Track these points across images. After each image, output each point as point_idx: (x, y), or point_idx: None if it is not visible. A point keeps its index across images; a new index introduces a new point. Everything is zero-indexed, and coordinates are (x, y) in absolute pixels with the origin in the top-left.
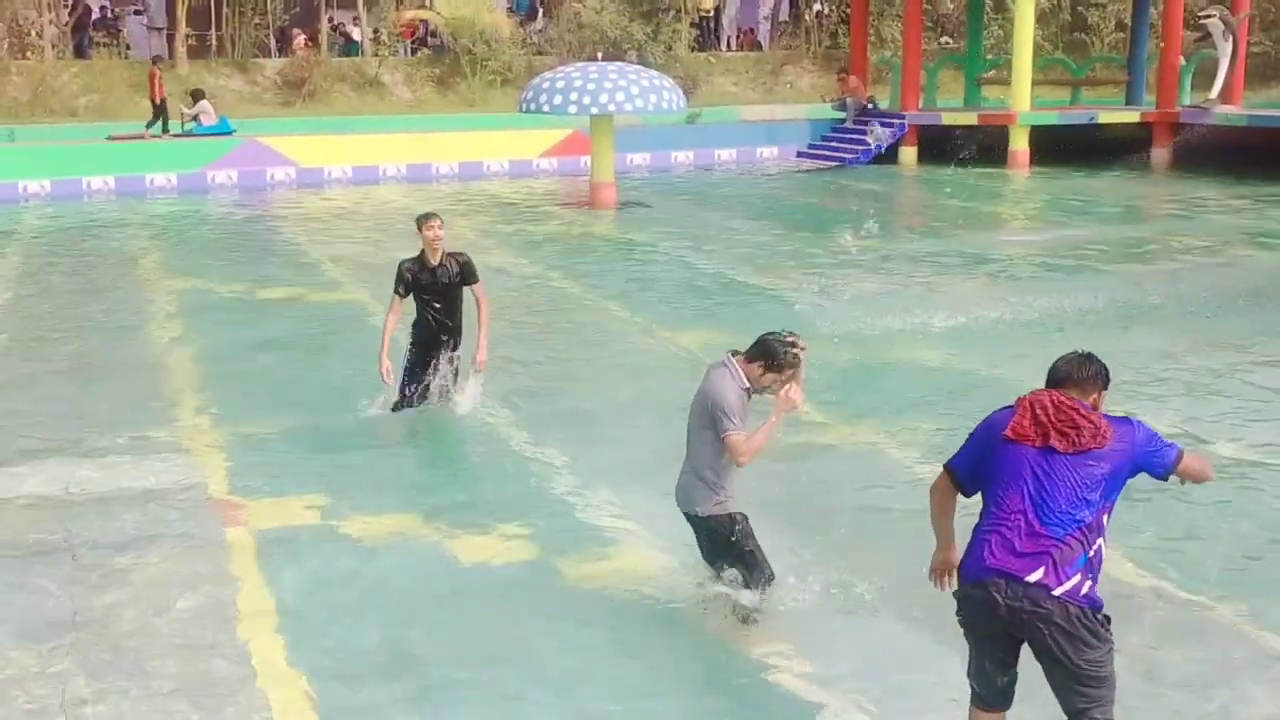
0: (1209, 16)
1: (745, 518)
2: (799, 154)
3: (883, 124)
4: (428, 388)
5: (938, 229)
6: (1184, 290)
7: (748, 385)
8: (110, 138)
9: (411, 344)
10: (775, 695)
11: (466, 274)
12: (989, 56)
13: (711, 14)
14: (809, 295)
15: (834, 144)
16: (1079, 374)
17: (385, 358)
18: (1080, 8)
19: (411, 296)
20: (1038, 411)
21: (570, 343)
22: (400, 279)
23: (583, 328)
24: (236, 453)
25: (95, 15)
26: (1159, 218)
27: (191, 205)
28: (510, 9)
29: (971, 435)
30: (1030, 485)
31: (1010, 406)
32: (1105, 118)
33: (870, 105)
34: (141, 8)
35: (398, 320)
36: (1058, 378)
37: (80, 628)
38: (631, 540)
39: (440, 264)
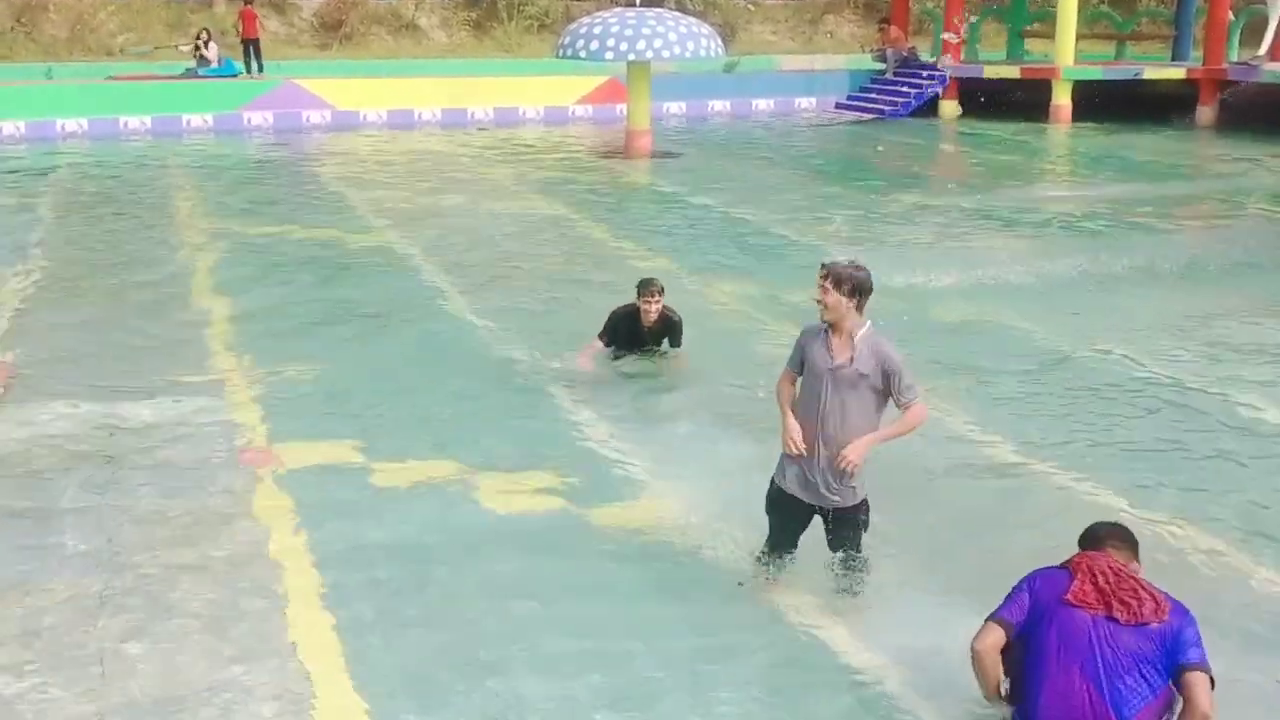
0: None
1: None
2: (838, 105)
3: (928, 74)
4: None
5: (977, 184)
6: (1227, 250)
7: None
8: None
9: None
10: (811, 647)
11: (672, 335)
12: (1033, 9)
13: None
14: (841, 247)
15: (873, 95)
16: (1119, 539)
17: (585, 359)
18: None
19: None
20: (1098, 578)
21: (602, 292)
22: (610, 329)
23: (608, 275)
24: (271, 395)
25: None
26: (1204, 175)
27: (227, 146)
28: None
29: (1018, 590)
30: (1094, 659)
31: (1060, 567)
32: (1150, 74)
33: (911, 56)
34: None
35: (591, 361)
36: (1098, 538)
37: (114, 564)
38: (662, 490)
39: (650, 328)
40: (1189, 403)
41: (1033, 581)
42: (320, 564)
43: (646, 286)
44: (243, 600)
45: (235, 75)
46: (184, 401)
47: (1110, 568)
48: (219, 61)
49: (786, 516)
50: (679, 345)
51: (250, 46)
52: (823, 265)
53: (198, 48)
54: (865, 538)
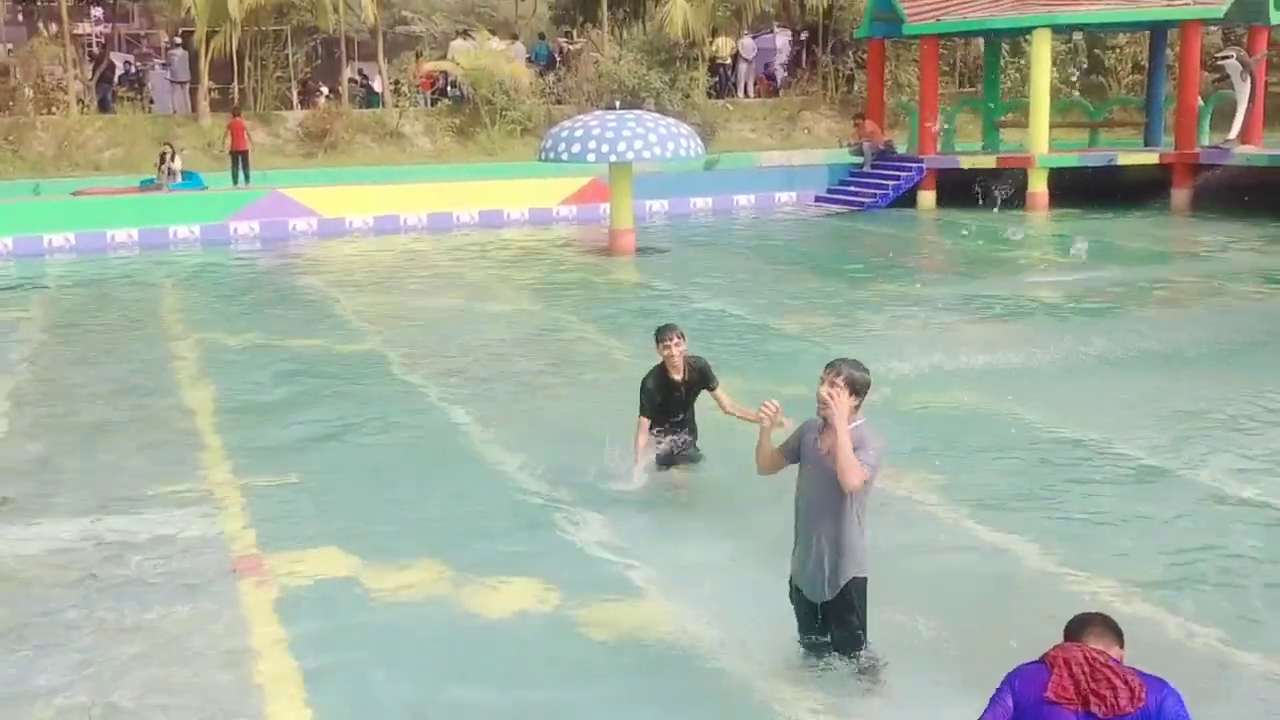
0: (1226, 57)
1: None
2: (817, 199)
3: (900, 167)
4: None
5: (958, 272)
6: (1206, 333)
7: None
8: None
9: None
10: None
11: (706, 379)
12: (1006, 99)
13: (729, 61)
14: (830, 339)
15: (852, 188)
16: (1100, 625)
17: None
18: (1097, 50)
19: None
20: (1075, 670)
21: (588, 390)
22: (647, 400)
23: (601, 374)
24: (258, 504)
25: (119, 70)
26: (1180, 258)
27: (214, 257)
28: (529, 59)
29: (1000, 692)
30: None
31: (1038, 662)
32: (1124, 159)
33: (888, 149)
34: (165, 62)
35: (647, 440)
36: (1076, 629)
37: (100, 680)
38: (658, 595)
39: (684, 378)
40: (1173, 485)
41: (1014, 681)
42: (310, 675)
43: (665, 332)
44: (232, 712)
45: (203, 189)
46: (172, 514)
47: (1085, 658)
48: (181, 176)
49: (799, 603)
50: (716, 385)
51: (239, 158)
52: (831, 365)
53: (164, 159)
54: (873, 636)
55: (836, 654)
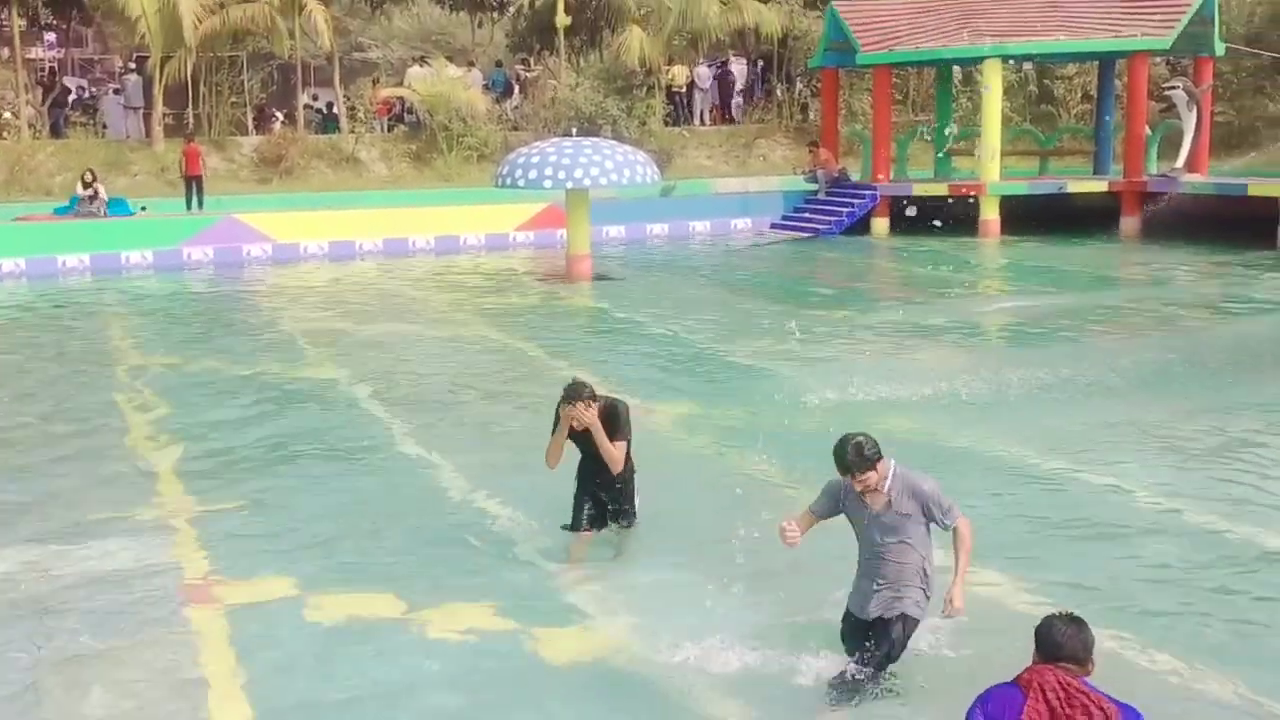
0: (1173, 87)
1: None
2: (773, 225)
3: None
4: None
5: (910, 298)
6: (1154, 358)
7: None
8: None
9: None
10: None
11: (613, 428)
12: (958, 128)
13: (684, 89)
14: (781, 364)
15: (807, 215)
16: (1074, 646)
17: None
18: (1047, 80)
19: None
20: (1049, 696)
21: (541, 416)
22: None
23: (554, 400)
24: (208, 532)
25: (72, 95)
26: (1128, 285)
27: (167, 282)
28: (486, 86)
29: (971, 713)
30: None
31: (1012, 684)
32: (1074, 187)
33: (842, 176)
34: (119, 87)
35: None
36: (1054, 651)
37: (43, 711)
38: (616, 623)
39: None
40: (1137, 514)
41: (985, 704)
42: (260, 705)
43: (573, 395)
44: None
45: (130, 215)
46: (120, 542)
47: (1060, 683)
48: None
49: (850, 627)
50: (619, 435)
51: (193, 183)
52: (850, 470)
53: (89, 184)
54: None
55: (863, 668)
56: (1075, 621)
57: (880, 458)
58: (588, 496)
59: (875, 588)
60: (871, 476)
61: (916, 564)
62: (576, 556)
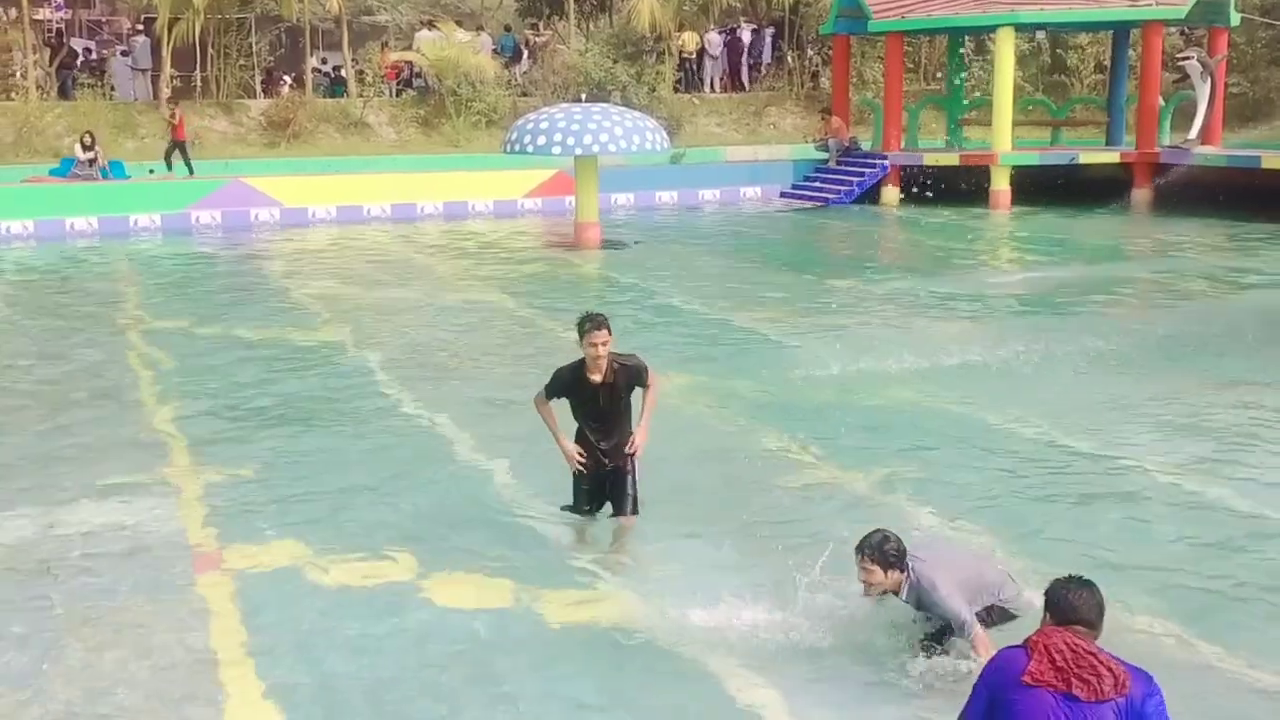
0: (1187, 58)
1: None
2: (782, 194)
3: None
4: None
5: (920, 269)
6: (1166, 330)
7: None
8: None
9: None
10: None
11: (638, 382)
12: (969, 98)
13: (694, 56)
14: (788, 334)
15: (817, 184)
16: (1088, 609)
17: (567, 442)
18: (1059, 50)
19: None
20: (1055, 656)
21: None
22: (552, 387)
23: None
24: (216, 495)
25: (80, 57)
26: (1140, 257)
27: (175, 245)
28: (495, 50)
29: (975, 687)
30: None
31: (1018, 646)
32: (1086, 158)
33: (853, 145)
34: (127, 49)
35: (553, 413)
36: (1068, 614)
37: (51, 675)
38: (618, 582)
39: (605, 381)
40: (1145, 486)
41: (988, 673)
42: (269, 668)
43: (589, 324)
44: (188, 708)
45: (127, 178)
46: (129, 504)
47: (1067, 644)
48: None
49: None
50: (647, 385)
51: (180, 148)
52: (858, 550)
53: (89, 146)
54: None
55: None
56: (1087, 585)
57: (896, 567)
58: (587, 473)
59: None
60: (876, 575)
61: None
62: (587, 536)
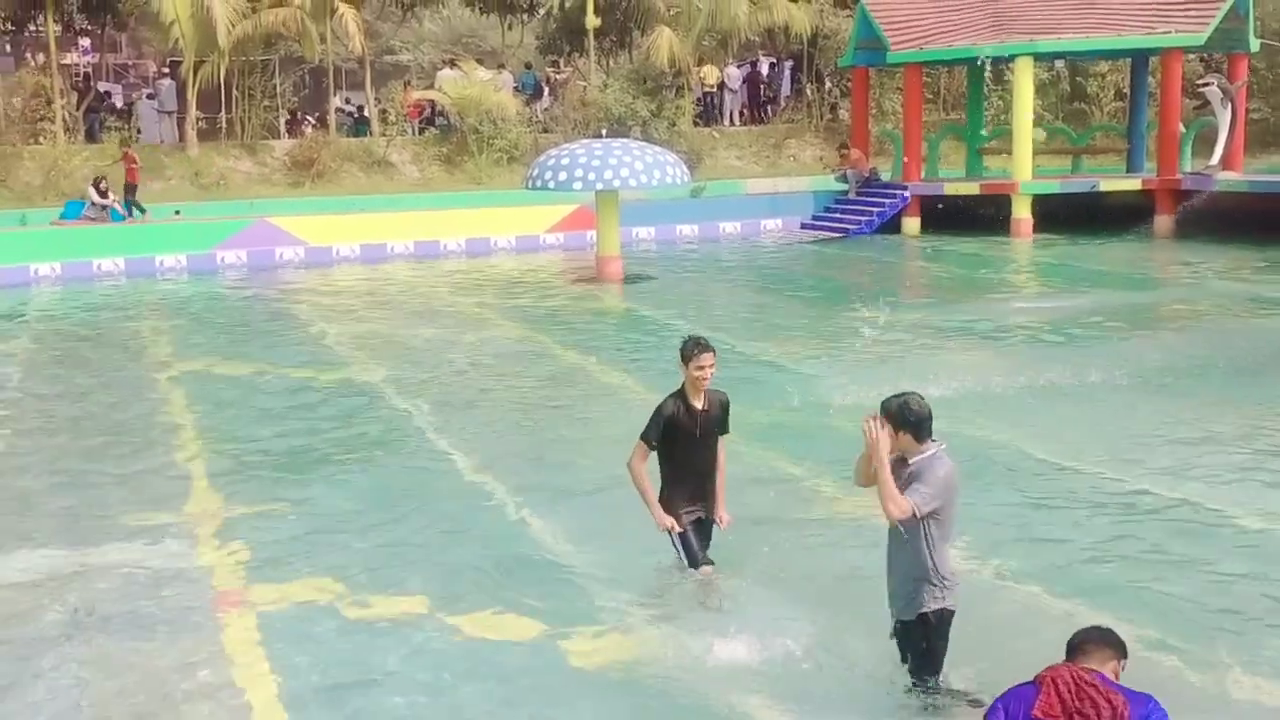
0: (1207, 84)
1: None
2: (803, 225)
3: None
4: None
5: (943, 298)
6: (1191, 357)
7: None
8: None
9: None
10: None
11: (726, 413)
12: (989, 127)
13: (716, 89)
14: (812, 365)
15: (838, 215)
16: (1096, 645)
17: (662, 512)
18: (1079, 78)
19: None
20: (1062, 689)
21: (578, 418)
22: (655, 426)
23: (590, 402)
24: (246, 535)
25: (106, 101)
26: (1163, 284)
27: (201, 286)
28: (516, 88)
29: (993, 709)
30: None
31: (1030, 683)
32: (1107, 185)
33: (873, 176)
34: (153, 92)
35: (647, 477)
36: (1074, 647)
37: (78, 714)
38: (641, 619)
39: (704, 409)
40: (1175, 514)
41: (1006, 702)
42: (296, 706)
43: (697, 347)
44: None
45: (121, 220)
46: (157, 544)
47: (1072, 678)
48: (120, 206)
49: (894, 626)
50: (727, 431)
51: (132, 191)
52: (881, 408)
53: (104, 192)
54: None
55: (910, 676)
56: (1100, 627)
57: (916, 429)
58: (693, 513)
59: (899, 587)
60: (883, 431)
61: (924, 552)
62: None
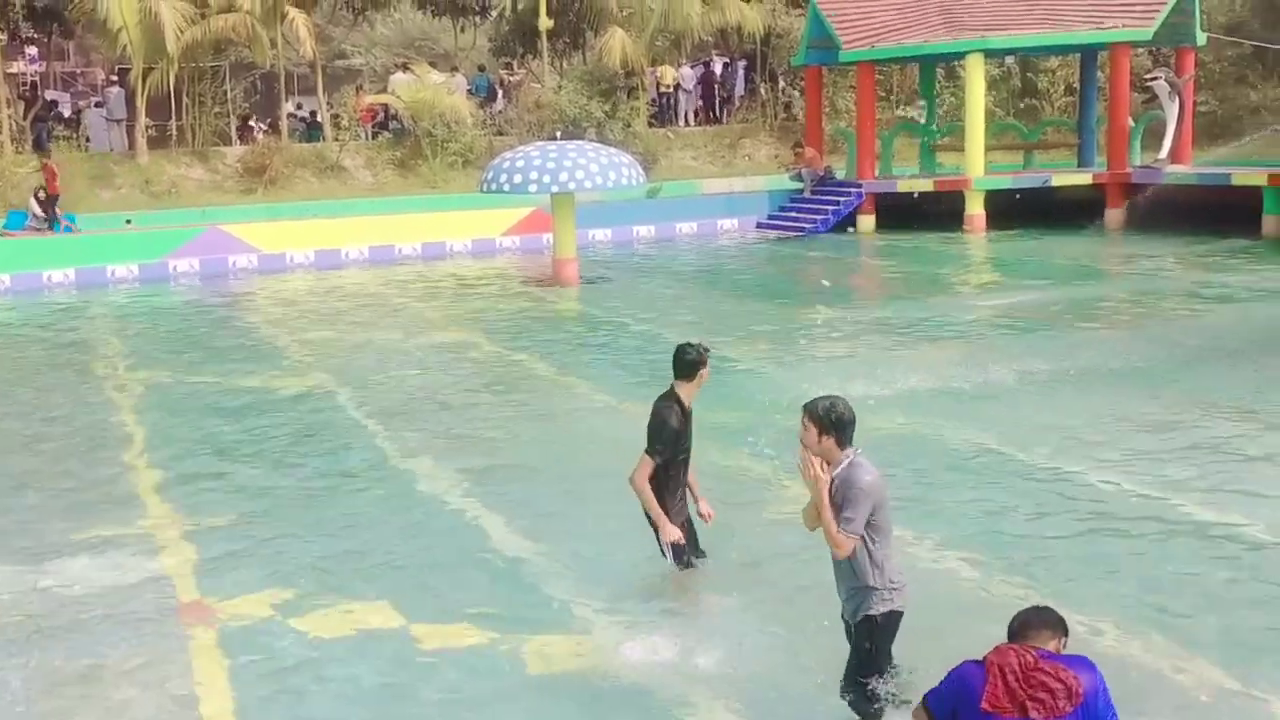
0: (1155, 78)
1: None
2: (759, 224)
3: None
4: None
5: (898, 295)
6: (1142, 348)
7: None
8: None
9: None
10: None
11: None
12: (942, 124)
13: (671, 89)
14: (769, 364)
15: (793, 214)
16: (1036, 628)
17: (672, 527)
18: (1030, 74)
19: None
20: (1009, 678)
21: (533, 421)
22: (669, 437)
23: (547, 405)
24: (203, 547)
25: (54, 109)
26: (1116, 277)
27: (153, 295)
28: (470, 91)
29: (946, 682)
30: None
31: (979, 662)
32: (1059, 180)
33: (828, 174)
34: (101, 100)
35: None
36: (1014, 630)
37: None
38: (604, 626)
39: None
40: (1133, 509)
41: (953, 682)
42: (254, 717)
43: (703, 351)
44: None
45: (70, 231)
46: (112, 556)
47: (1019, 664)
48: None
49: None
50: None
51: (54, 202)
52: (804, 408)
53: (50, 203)
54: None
55: (844, 679)
56: (1038, 607)
57: (828, 427)
58: (681, 514)
59: (844, 591)
60: (810, 434)
61: (864, 560)
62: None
